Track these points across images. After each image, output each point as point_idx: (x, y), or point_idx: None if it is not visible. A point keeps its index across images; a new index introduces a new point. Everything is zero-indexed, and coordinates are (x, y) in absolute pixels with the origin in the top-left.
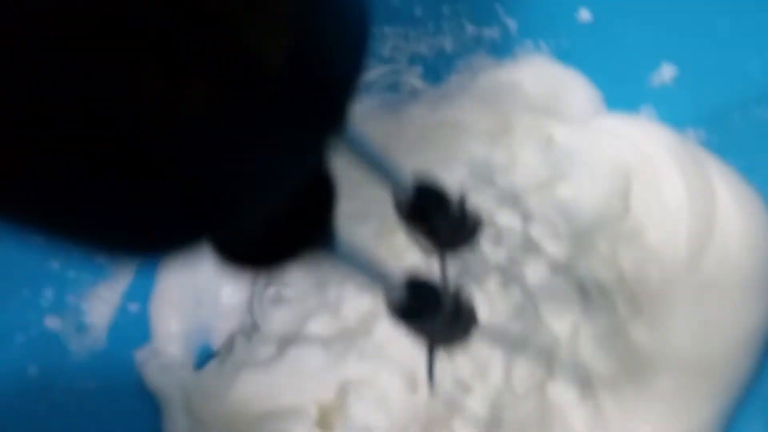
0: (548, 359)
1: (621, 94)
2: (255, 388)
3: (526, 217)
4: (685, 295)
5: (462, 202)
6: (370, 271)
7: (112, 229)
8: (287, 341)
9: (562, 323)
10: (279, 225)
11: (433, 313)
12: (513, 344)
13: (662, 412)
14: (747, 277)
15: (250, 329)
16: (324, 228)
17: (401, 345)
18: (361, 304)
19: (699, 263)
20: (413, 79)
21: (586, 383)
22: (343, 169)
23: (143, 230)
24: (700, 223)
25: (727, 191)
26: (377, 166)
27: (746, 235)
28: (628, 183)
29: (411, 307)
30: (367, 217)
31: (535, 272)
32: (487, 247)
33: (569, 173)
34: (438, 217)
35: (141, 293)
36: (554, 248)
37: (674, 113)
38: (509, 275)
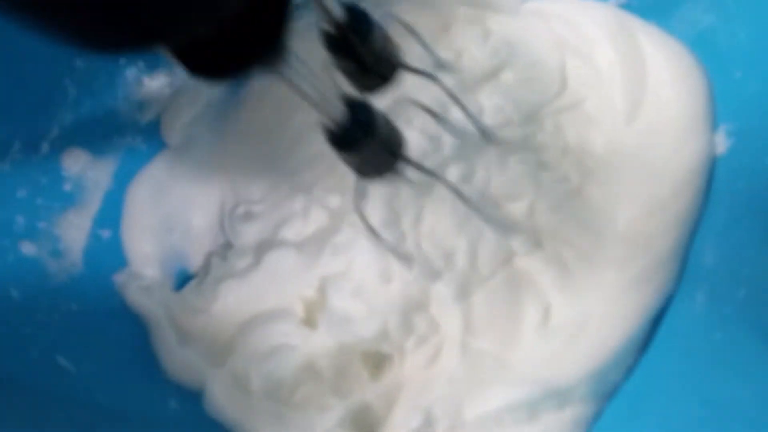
0: (508, 237)
1: None
2: (237, 296)
3: (479, 109)
4: (628, 147)
5: (382, 34)
6: (315, 90)
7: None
8: (262, 250)
9: (519, 204)
10: (234, 32)
11: (366, 138)
12: (473, 232)
13: (623, 252)
14: (682, 118)
15: (224, 248)
16: (277, 36)
17: (370, 238)
18: (328, 204)
19: (637, 117)
20: None
21: (548, 248)
22: None
23: (103, 25)
24: (632, 81)
25: (652, 46)
26: None
27: (675, 81)
28: (564, 58)
29: (347, 131)
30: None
31: (490, 161)
32: (446, 139)
33: (510, 60)
34: (363, 45)
35: (111, 219)
36: (508, 134)
37: None
38: (468, 168)
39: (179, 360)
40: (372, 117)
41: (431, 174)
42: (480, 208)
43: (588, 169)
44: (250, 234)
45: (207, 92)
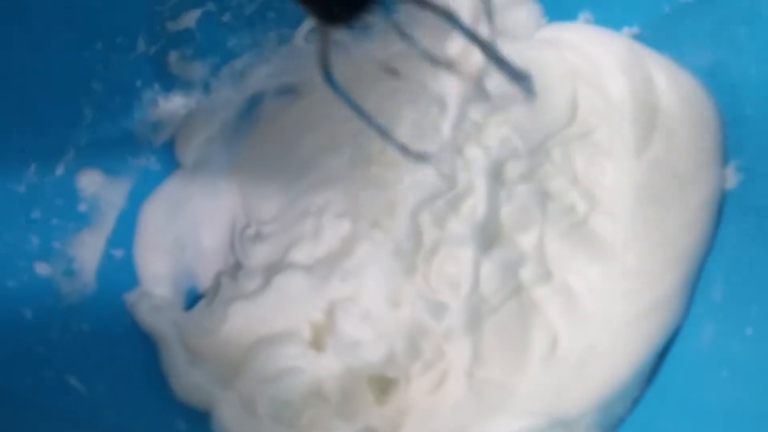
0: (517, 268)
1: (558, 4)
2: (246, 317)
3: (487, 147)
4: (637, 179)
5: None
6: None
7: None
8: (272, 271)
9: (527, 236)
10: None
11: None
12: (480, 263)
13: (631, 285)
14: (692, 151)
15: (234, 268)
16: None
17: (380, 264)
18: (339, 229)
19: (647, 148)
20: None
21: (557, 278)
22: None
23: None
24: (643, 112)
25: (664, 78)
26: None
27: (687, 114)
28: (575, 87)
29: None
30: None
31: (497, 195)
32: (458, 173)
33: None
34: None
35: (124, 239)
36: (515, 168)
37: (609, 15)
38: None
39: (188, 381)
40: None
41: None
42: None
43: (596, 199)
44: (260, 255)
45: (221, 113)
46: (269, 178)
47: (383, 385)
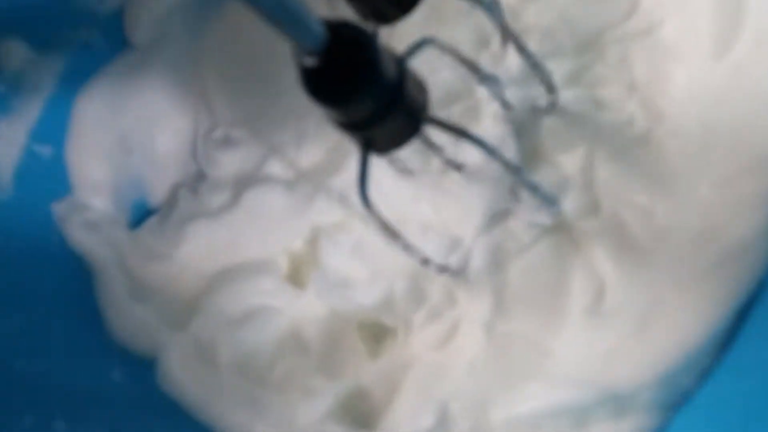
0: (557, 195)
1: None
2: (209, 241)
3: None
4: (716, 89)
5: None
6: (282, 8)
7: None
8: (242, 185)
9: (572, 155)
10: None
11: (364, 86)
12: (513, 189)
13: (703, 224)
14: None
15: (195, 180)
16: None
17: (378, 183)
18: (327, 136)
19: (729, 50)
20: None
21: (606, 210)
22: None
23: None
24: (727, 3)
25: None
26: None
27: None
28: None
29: (333, 71)
30: None
31: (535, 100)
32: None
33: None
34: None
35: (53, 134)
36: (559, 68)
37: None
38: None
39: (129, 318)
40: (369, 44)
41: (460, 134)
42: (520, 172)
43: (661, 112)
44: (228, 164)
45: None
46: (242, 67)
47: (377, 333)
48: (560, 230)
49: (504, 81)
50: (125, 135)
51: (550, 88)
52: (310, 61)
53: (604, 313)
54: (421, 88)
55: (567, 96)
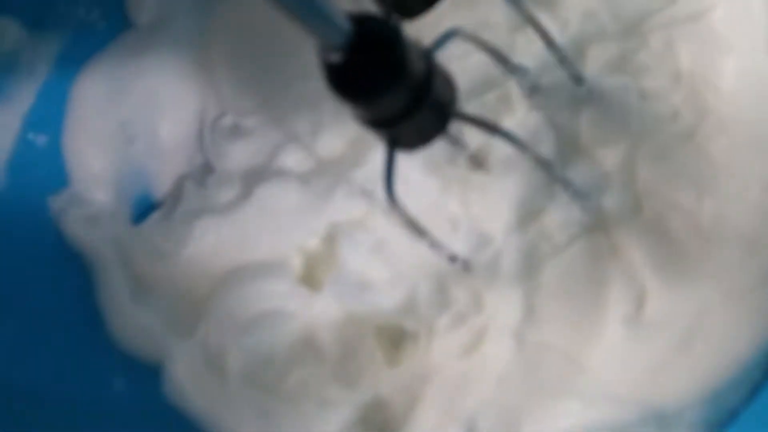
0: (595, 193)
1: None
2: (217, 238)
3: (564, 19)
4: (765, 84)
5: None
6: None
7: None
8: (253, 179)
9: (611, 150)
10: None
11: (391, 83)
12: (547, 185)
13: (755, 230)
14: None
15: (202, 171)
16: None
17: (404, 172)
18: (346, 126)
19: None
20: None
21: (647, 212)
22: None
23: None
24: None
25: None
26: None
27: None
28: None
29: (359, 67)
30: None
31: (573, 88)
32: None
33: None
34: None
35: (49, 121)
36: (601, 53)
37: None
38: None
39: (132, 322)
40: (397, 39)
41: (494, 131)
42: (551, 167)
43: (709, 107)
44: (238, 156)
45: None
46: (254, 50)
47: (396, 339)
48: (598, 232)
49: (535, 70)
50: (127, 122)
51: (578, 80)
52: (335, 57)
53: (645, 324)
54: (449, 82)
55: (609, 84)
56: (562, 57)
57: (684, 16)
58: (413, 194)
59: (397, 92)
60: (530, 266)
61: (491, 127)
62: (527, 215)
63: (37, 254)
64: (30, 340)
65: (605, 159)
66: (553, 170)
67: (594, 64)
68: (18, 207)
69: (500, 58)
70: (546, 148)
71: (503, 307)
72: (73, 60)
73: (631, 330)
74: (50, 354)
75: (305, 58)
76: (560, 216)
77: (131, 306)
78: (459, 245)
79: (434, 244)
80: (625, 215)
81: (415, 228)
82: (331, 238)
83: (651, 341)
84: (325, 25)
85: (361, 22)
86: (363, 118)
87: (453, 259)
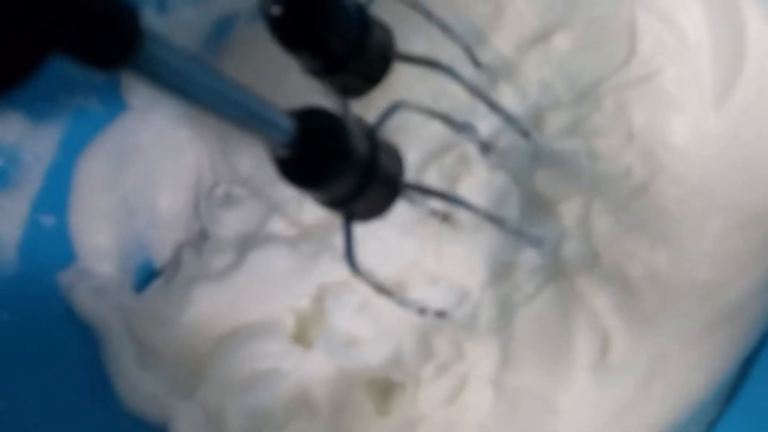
0: (557, 246)
1: None
2: (214, 303)
3: (524, 91)
4: (717, 138)
5: (361, 10)
6: (246, 113)
7: None
8: (246, 245)
9: (570, 206)
10: None
11: (338, 169)
12: (511, 243)
13: (709, 275)
14: None
15: (199, 239)
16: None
17: (383, 239)
18: None
19: (730, 98)
20: None
21: (606, 261)
22: None
23: None
24: (726, 50)
25: (754, 6)
26: None
27: None
28: (634, 16)
29: (308, 159)
30: None
31: (530, 149)
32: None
33: (566, 18)
34: (328, 32)
35: (55, 202)
36: (557, 119)
37: None
38: (500, 162)
39: (138, 386)
40: (338, 129)
41: (441, 196)
42: (515, 228)
43: (661, 162)
44: (231, 223)
45: (180, 39)
46: None
47: (385, 389)
48: (562, 280)
49: (491, 132)
50: (127, 196)
51: (525, 135)
52: (283, 153)
53: (610, 368)
54: (397, 155)
55: (564, 147)
56: (508, 116)
57: (635, 78)
58: (392, 255)
59: (344, 176)
60: (504, 316)
61: (442, 195)
62: (499, 269)
63: (49, 327)
64: (44, 406)
65: (564, 214)
66: (504, 224)
67: (550, 129)
68: (30, 284)
69: (447, 120)
70: (506, 204)
71: (481, 355)
72: (75, 143)
73: (597, 374)
74: (63, 419)
75: None
76: (526, 267)
77: (136, 370)
78: (438, 300)
79: (402, 301)
80: (586, 264)
81: (382, 288)
82: (319, 299)
83: (616, 384)
84: (268, 127)
85: (304, 115)
86: (317, 200)
87: (422, 311)
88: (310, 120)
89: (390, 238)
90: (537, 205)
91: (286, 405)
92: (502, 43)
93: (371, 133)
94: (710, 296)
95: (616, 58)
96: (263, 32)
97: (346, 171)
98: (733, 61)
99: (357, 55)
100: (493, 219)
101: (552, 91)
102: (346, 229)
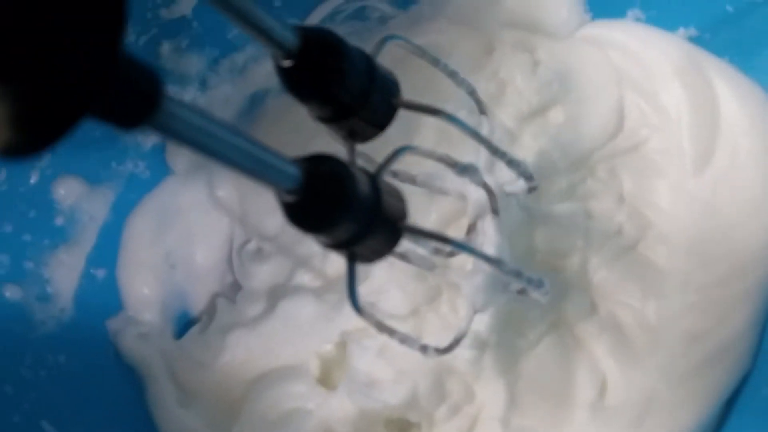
0: (558, 297)
1: None
2: (247, 349)
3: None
4: (698, 201)
5: (368, 62)
6: (254, 161)
7: None
8: (276, 296)
9: (568, 262)
10: None
11: (343, 215)
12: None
13: (693, 325)
14: (762, 168)
15: (232, 290)
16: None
17: (402, 286)
18: None
19: (707, 165)
20: (381, 4)
21: (602, 311)
22: None
23: None
24: (703, 124)
25: (726, 86)
26: (250, 18)
27: (753, 128)
28: (622, 94)
29: (313, 203)
30: None
31: (534, 214)
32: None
33: (560, 95)
34: (337, 83)
35: (106, 257)
36: (553, 185)
37: (663, 14)
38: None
39: (179, 424)
40: (342, 176)
41: (442, 240)
42: (514, 270)
43: (648, 222)
44: (262, 276)
45: (219, 112)
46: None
47: (403, 428)
48: (563, 328)
49: (482, 171)
50: (169, 253)
51: (529, 178)
52: (289, 198)
53: (607, 408)
54: (399, 199)
55: (561, 209)
56: (510, 160)
57: (623, 148)
58: (407, 298)
59: (348, 222)
60: (510, 360)
61: (444, 239)
62: (503, 315)
63: (99, 369)
64: None
65: (564, 269)
66: (503, 265)
67: (549, 193)
68: (83, 330)
69: (449, 162)
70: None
71: (491, 397)
72: (125, 205)
73: (595, 414)
74: None
75: None
76: (531, 315)
77: (177, 409)
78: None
79: (405, 340)
80: (584, 314)
81: (383, 326)
82: (342, 344)
83: (612, 424)
84: (274, 174)
85: (309, 163)
86: (321, 242)
87: (424, 349)
88: (315, 167)
89: (408, 284)
90: (539, 261)
91: None
92: (504, 117)
93: (375, 178)
94: (695, 342)
95: (605, 130)
96: (288, 105)
97: (350, 216)
98: (709, 135)
99: (364, 104)
100: (492, 261)
101: (549, 159)
102: (349, 270)
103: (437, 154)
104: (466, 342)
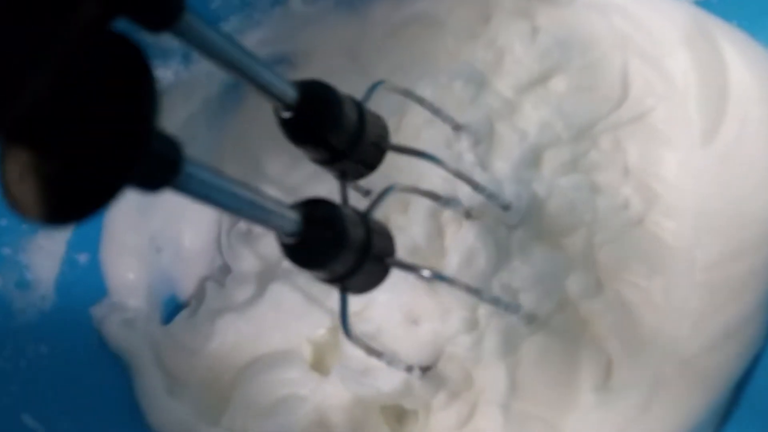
0: (562, 276)
1: None
2: (236, 334)
3: (522, 131)
4: (706, 172)
5: (359, 110)
6: (260, 211)
7: None
8: (266, 279)
9: (573, 239)
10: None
11: (336, 255)
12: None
13: (701, 303)
14: None
15: (221, 273)
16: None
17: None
18: None
19: (716, 136)
20: None
21: (608, 289)
22: None
23: None
24: (711, 92)
25: (735, 52)
26: (252, 76)
27: (765, 97)
28: (627, 61)
29: (310, 244)
30: None
31: (537, 188)
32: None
33: (562, 63)
34: (331, 131)
35: (88, 241)
36: (556, 157)
37: None
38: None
39: (167, 413)
40: (336, 219)
41: (426, 279)
42: (493, 298)
43: (655, 195)
44: (251, 258)
45: (203, 87)
46: (261, 164)
47: (399, 414)
48: (568, 308)
49: (464, 201)
50: (155, 236)
51: (506, 208)
52: (289, 240)
53: (612, 390)
54: (388, 236)
55: (565, 182)
56: (489, 194)
57: (628, 118)
58: (399, 289)
59: (341, 260)
60: (510, 344)
61: (430, 274)
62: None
63: (84, 358)
64: (80, 430)
65: (568, 246)
66: (482, 295)
67: (552, 165)
68: (65, 318)
69: (435, 197)
70: (475, 260)
71: (490, 382)
72: None
73: (600, 396)
74: None
75: (308, 168)
76: (533, 297)
77: (165, 398)
78: (449, 328)
79: (392, 361)
80: (590, 293)
81: (372, 351)
82: (335, 329)
83: (617, 406)
84: (278, 220)
85: (305, 208)
86: (317, 277)
87: (409, 369)
88: (311, 211)
89: (405, 287)
90: (542, 240)
91: (305, 429)
92: (502, 87)
93: (365, 218)
94: (703, 322)
95: (609, 99)
96: None
97: (343, 256)
98: (717, 103)
99: (355, 147)
100: (471, 290)
101: (551, 130)
102: (342, 301)
103: (422, 190)
104: (462, 327)
